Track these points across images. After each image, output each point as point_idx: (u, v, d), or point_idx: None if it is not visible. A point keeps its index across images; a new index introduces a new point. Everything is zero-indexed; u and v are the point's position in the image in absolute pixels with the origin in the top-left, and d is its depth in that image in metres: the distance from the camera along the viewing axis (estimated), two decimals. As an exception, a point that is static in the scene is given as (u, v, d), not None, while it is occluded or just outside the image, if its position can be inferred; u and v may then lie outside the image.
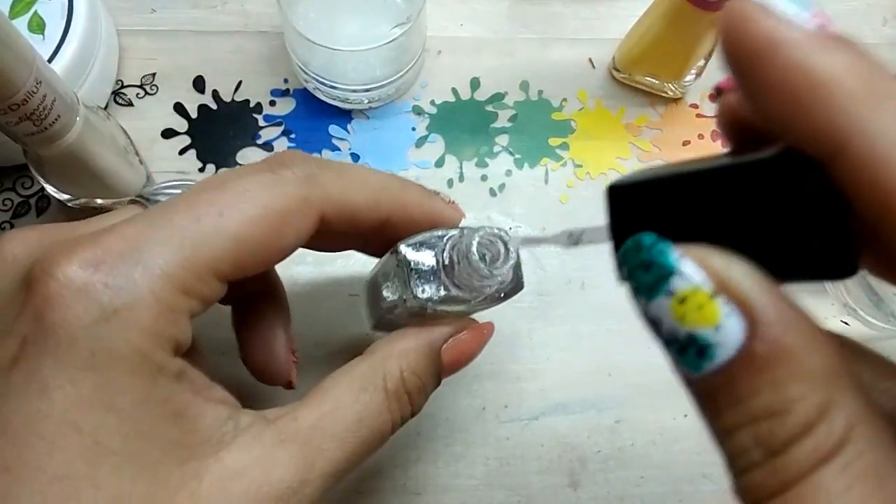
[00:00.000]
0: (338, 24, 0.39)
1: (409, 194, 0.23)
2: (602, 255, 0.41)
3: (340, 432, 0.20)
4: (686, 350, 0.12)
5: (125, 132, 0.36)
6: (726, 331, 0.12)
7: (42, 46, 0.36)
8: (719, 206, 0.14)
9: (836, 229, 0.13)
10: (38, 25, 0.36)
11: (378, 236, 0.24)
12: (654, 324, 0.13)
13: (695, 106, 0.44)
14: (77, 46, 0.36)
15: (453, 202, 0.25)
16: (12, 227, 0.39)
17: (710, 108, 0.44)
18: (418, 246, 0.23)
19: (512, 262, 0.21)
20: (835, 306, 0.40)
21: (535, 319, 0.39)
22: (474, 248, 0.21)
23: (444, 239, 0.24)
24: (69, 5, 0.37)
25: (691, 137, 0.43)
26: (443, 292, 0.23)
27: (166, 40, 0.43)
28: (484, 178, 0.41)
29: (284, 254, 0.21)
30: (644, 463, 0.37)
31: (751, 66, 0.12)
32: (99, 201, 0.36)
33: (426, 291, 0.23)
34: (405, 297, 0.24)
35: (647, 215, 0.15)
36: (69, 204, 0.36)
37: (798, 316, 0.12)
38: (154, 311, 0.17)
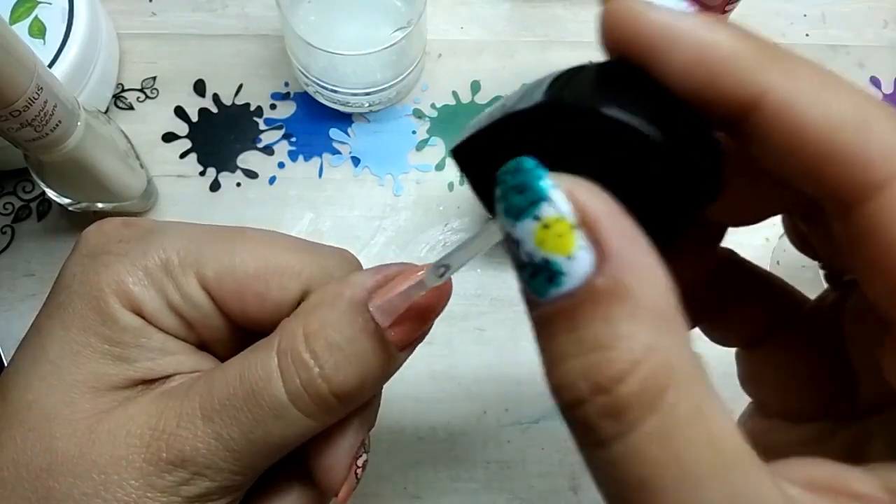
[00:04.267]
0: (338, 28, 0.39)
1: None
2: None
3: (217, 386, 0.19)
4: (538, 274, 0.13)
5: (126, 136, 0.36)
6: (578, 261, 0.13)
7: (43, 51, 0.36)
8: (555, 142, 0.14)
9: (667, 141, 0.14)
10: (38, 30, 0.36)
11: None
12: (515, 245, 0.13)
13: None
14: (78, 51, 0.36)
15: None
16: (13, 231, 0.39)
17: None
18: None
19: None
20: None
21: (535, 323, 0.39)
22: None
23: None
24: (70, 9, 0.37)
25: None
26: None
27: (167, 44, 0.43)
28: (484, 181, 0.41)
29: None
30: (645, 466, 0.37)
31: (652, 54, 0.14)
32: (100, 205, 0.36)
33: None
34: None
35: (499, 158, 0.15)
36: (70, 208, 0.36)
37: (644, 257, 0.13)
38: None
